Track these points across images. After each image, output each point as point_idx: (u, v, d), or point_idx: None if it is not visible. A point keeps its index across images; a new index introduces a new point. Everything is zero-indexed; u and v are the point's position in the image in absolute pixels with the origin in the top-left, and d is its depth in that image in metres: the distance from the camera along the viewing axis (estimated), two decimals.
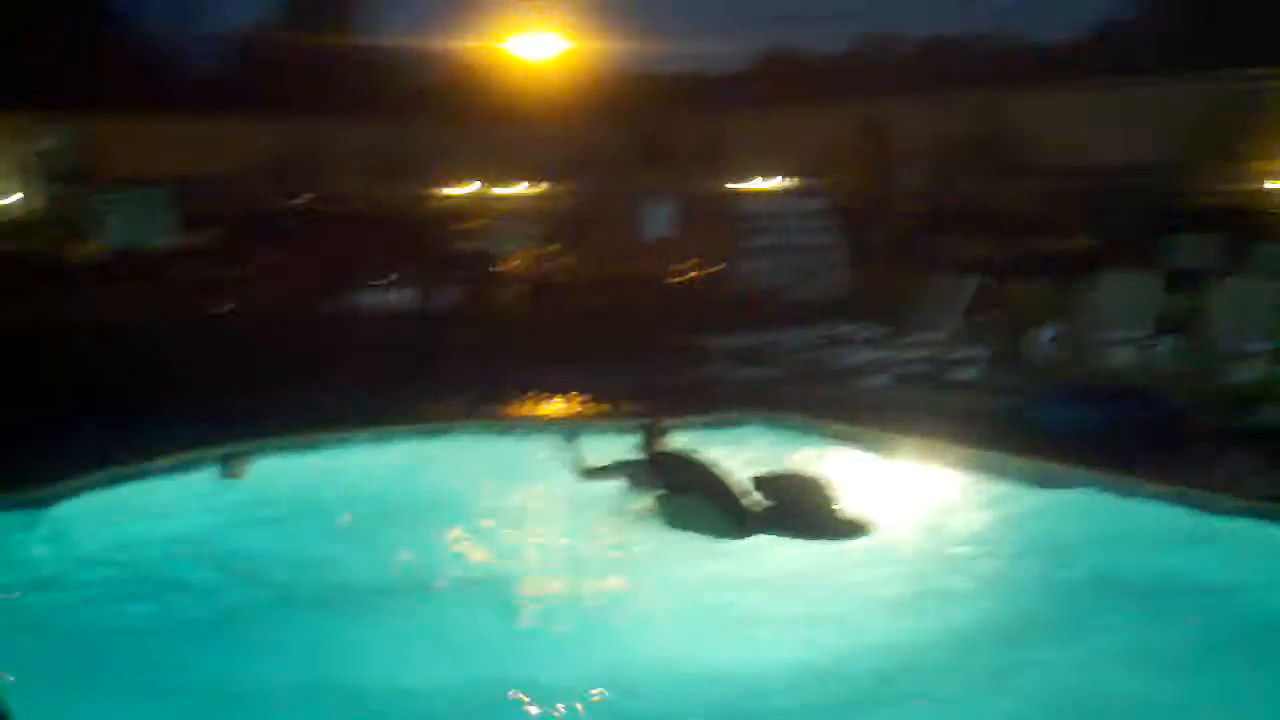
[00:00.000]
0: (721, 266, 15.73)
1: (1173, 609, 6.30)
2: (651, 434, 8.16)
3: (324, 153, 19.28)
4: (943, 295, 12.38)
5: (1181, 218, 15.20)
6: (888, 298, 13.35)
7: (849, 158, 19.94)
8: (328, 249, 14.66)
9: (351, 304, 14.09)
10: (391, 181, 19.41)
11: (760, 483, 7.77)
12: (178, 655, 5.82)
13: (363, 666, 5.68)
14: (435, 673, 5.57)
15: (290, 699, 5.35)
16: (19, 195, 15.97)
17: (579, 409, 10.52)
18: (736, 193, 19.95)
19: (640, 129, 21.88)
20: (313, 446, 9.00)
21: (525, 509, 8.19)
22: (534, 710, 5.27)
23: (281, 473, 8.60)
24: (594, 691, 5.41)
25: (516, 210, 20.22)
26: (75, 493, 7.76)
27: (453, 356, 12.07)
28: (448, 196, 20.78)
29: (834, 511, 7.53)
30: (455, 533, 7.63)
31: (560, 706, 5.29)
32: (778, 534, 7.41)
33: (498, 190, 21.38)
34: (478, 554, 7.37)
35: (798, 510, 7.51)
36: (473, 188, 21.27)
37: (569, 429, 8.71)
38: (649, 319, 13.38)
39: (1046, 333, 11.34)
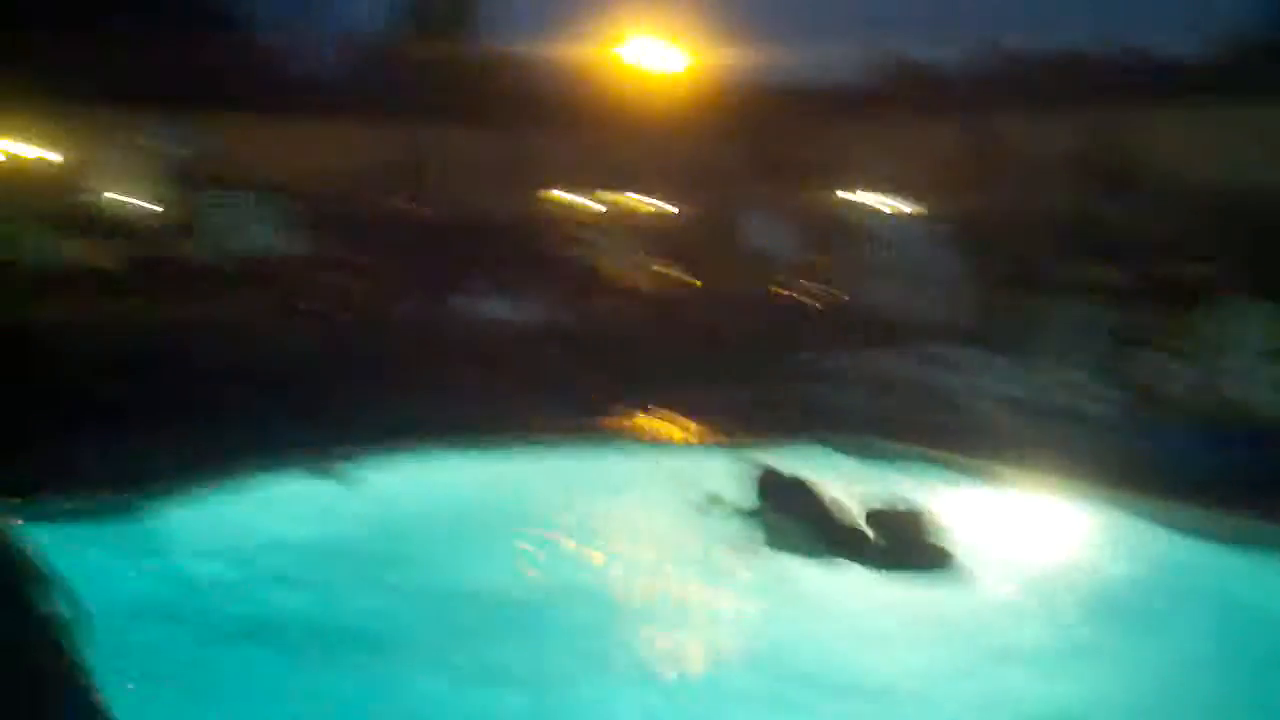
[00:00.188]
0: (833, 285, 15.39)
1: None
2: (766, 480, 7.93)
3: (437, 159, 19.32)
4: (1070, 322, 11.87)
5: None
6: (1009, 322, 12.87)
7: (963, 175, 19.42)
8: (432, 256, 14.63)
9: (452, 311, 14.01)
10: (503, 189, 19.38)
11: (872, 517, 7.49)
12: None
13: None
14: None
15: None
16: (138, 199, 16.21)
17: (682, 429, 10.31)
18: (848, 208, 19.55)
19: (756, 141, 21.59)
20: (422, 454, 8.94)
21: (620, 523, 8.08)
22: None
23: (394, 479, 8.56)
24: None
25: (626, 221, 20.05)
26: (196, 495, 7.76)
27: (552, 368, 11.92)
28: (558, 205, 20.71)
29: (942, 550, 7.18)
30: (553, 541, 7.62)
31: None
32: (882, 568, 7.10)
33: (608, 200, 21.25)
34: (569, 566, 7.31)
35: (907, 546, 7.21)
36: (583, 197, 21.19)
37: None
38: (759, 337, 13.08)
39: (1171, 365, 10.80)
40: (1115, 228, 17.05)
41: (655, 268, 17.31)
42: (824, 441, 9.45)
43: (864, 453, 9.39)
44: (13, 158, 15.47)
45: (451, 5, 24.53)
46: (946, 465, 9.01)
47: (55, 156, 15.81)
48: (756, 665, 5.93)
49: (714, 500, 7.96)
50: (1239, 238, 15.41)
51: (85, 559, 6.46)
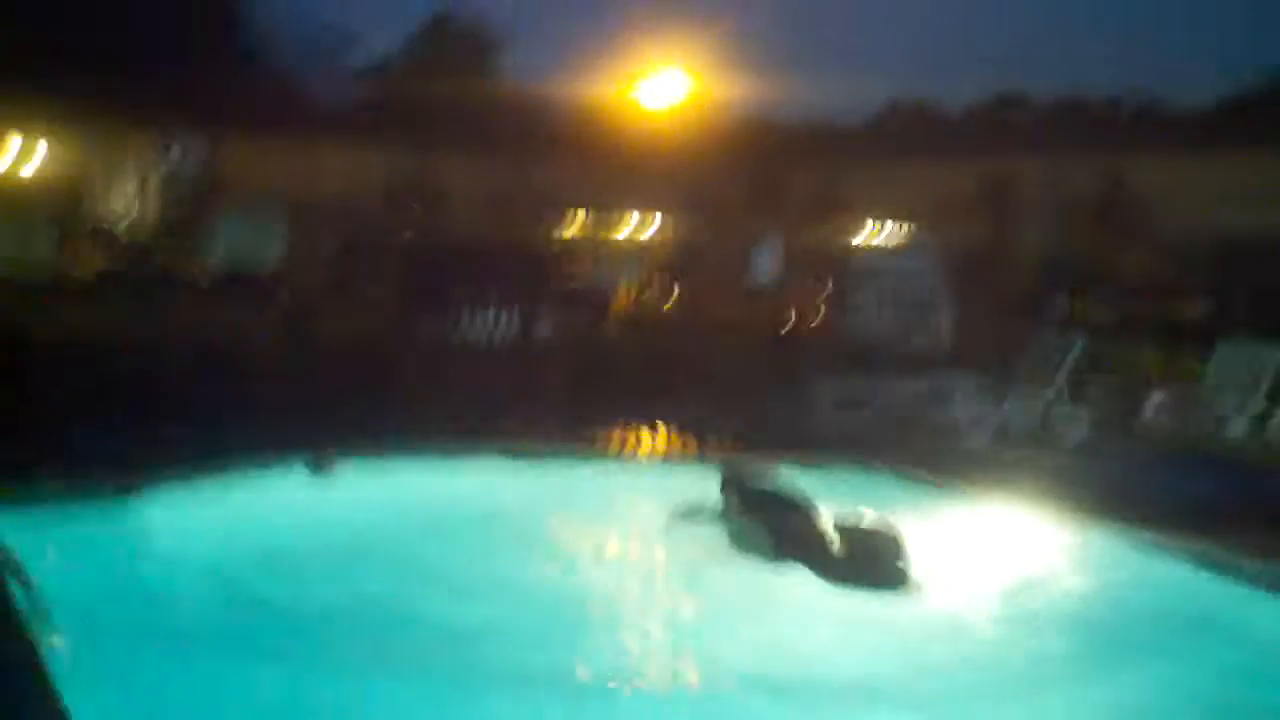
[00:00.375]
0: (826, 316, 15.57)
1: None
2: (730, 476, 8.09)
3: (441, 186, 19.58)
4: (1050, 353, 12.04)
5: None
6: (996, 354, 13.05)
7: (966, 214, 19.63)
8: (431, 280, 14.84)
9: (450, 334, 14.22)
10: (504, 217, 19.63)
11: (841, 531, 7.61)
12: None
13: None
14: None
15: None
16: (137, 212, 16.46)
17: (666, 445, 10.53)
18: (850, 244, 19.77)
19: (758, 175, 21.83)
20: (403, 457, 9.14)
21: (593, 532, 8.25)
22: None
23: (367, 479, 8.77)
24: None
25: (627, 250, 20.30)
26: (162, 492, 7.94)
27: (549, 389, 12.13)
28: (559, 234, 20.96)
29: (905, 566, 7.27)
30: (522, 544, 7.74)
31: None
32: (845, 580, 7.20)
33: (611, 228, 21.50)
34: (533, 572, 7.38)
35: (871, 561, 7.31)
36: (584, 225, 21.44)
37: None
38: (748, 363, 13.27)
39: (1156, 399, 10.97)
40: (1111, 269, 17.26)
41: (652, 292, 17.54)
42: (803, 460, 9.59)
43: (843, 472, 9.57)
44: (17, 168, 15.70)
45: (463, 40, 24.92)
46: (922, 486, 9.17)
47: (61, 169, 16.03)
48: (697, 665, 6.05)
49: (689, 511, 8.09)
50: (1226, 279, 15.61)
51: (47, 554, 6.54)
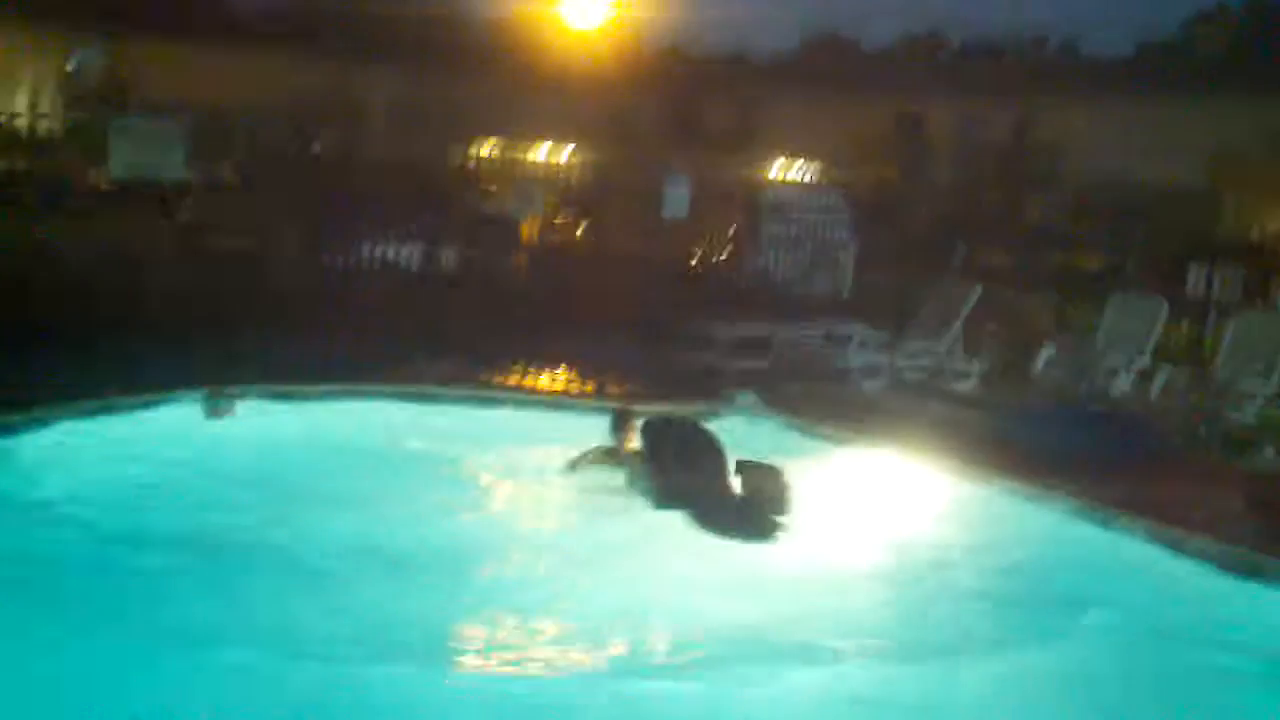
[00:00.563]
0: (731, 254, 15.60)
1: (1118, 640, 6.18)
2: (623, 419, 8.11)
3: (350, 99, 19.18)
4: (947, 302, 12.18)
5: (1202, 246, 14.94)
6: (895, 300, 13.20)
7: (878, 154, 19.73)
8: (338, 197, 14.54)
9: (356, 256, 13.99)
10: (416, 134, 19.31)
11: (739, 472, 7.67)
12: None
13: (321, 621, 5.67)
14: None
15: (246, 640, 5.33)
16: (40, 112, 15.95)
17: (567, 384, 10.53)
18: (760, 180, 19.78)
19: (674, 105, 21.71)
20: (297, 396, 9.00)
21: (487, 471, 8.21)
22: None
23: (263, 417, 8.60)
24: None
25: (538, 175, 20.12)
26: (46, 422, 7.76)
27: (451, 319, 12.01)
28: (470, 154, 20.70)
29: (784, 516, 7.35)
30: (417, 490, 7.62)
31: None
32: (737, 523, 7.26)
33: (521, 153, 21.28)
34: (431, 514, 7.30)
35: (760, 504, 7.39)
36: (497, 148, 21.18)
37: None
38: (654, 300, 13.25)
39: (1046, 351, 11.15)
40: (1015, 217, 17.49)
41: (561, 223, 17.40)
42: (705, 403, 9.68)
43: (743, 416, 9.67)
44: None
45: None
46: (816, 434, 9.31)
47: None
48: (578, 604, 6.13)
49: (591, 454, 8.09)
50: (1134, 232, 15.89)
51: None
